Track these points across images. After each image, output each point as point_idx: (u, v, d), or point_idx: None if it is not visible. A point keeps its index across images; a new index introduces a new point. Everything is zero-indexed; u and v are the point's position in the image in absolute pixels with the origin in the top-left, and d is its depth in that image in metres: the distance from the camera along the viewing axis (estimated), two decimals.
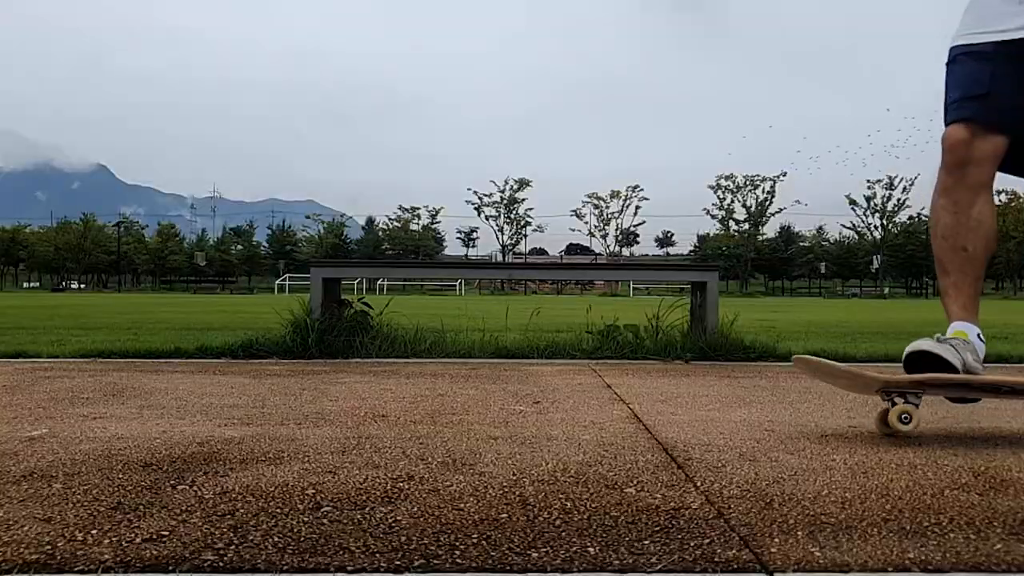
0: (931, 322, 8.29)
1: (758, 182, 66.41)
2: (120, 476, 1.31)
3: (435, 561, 0.94)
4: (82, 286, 70.26)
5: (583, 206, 72.75)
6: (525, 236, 72.24)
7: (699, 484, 1.29)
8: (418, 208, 74.71)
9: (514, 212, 71.88)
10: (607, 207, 71.32)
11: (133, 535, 1.01)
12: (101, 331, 5.51)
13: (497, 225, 71.96)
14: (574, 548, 0.98)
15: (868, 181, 68.20)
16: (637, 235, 71.96)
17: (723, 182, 66.77)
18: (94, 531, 1.03)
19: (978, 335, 1.75)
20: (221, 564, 0.92)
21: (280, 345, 3.66)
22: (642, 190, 70.58)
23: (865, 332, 6.22)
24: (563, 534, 1.03)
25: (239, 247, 75.45)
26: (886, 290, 61.56)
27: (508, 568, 0.92)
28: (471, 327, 4.59)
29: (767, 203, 66.11)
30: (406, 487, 1.26)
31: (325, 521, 1.08)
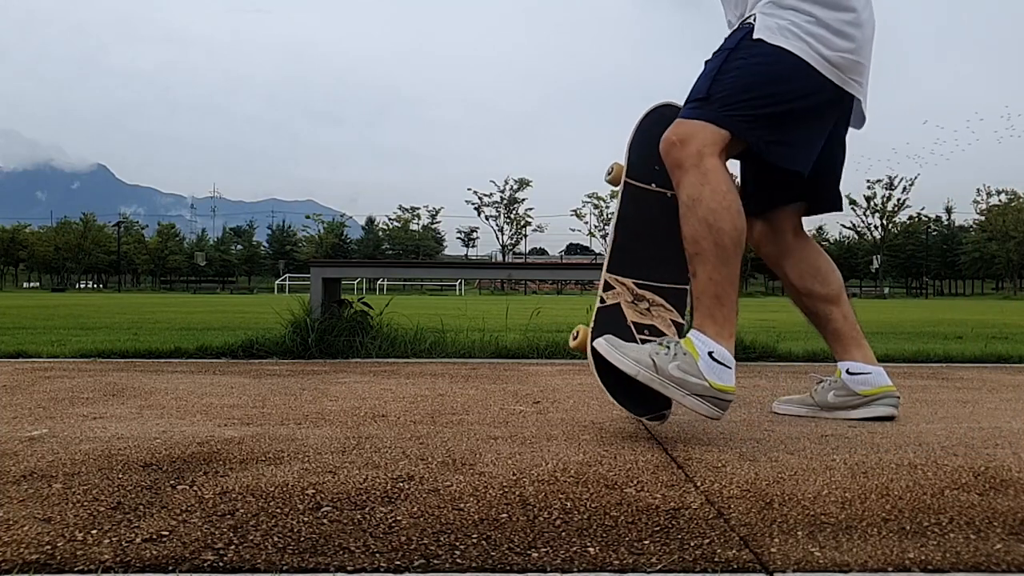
0: (931, 321, 8.29)
1: None
2: (120, 476, 1.31)
3: (435, 561, 0.94)
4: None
5: (583, 206, 72.86)
6: (525, 236, 72.33)
7: (699, 484, 1.29)
8: (418, 208, 74.83)
9: (514, 212, 71.94)
10: (607, 207, 71.37)
11: (133, 535, 1.01)
12: (101, 331, 5.51)
13: (497, 225, 72.02)
14: (574, 548, 0.98)
15: (868, 181, 68.36)
16: None
17: None
18: (94, 531, 1.03)
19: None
20: (221, 564, 0.92)
21: (280, 345, 3.66)
22: None
23: (864, 332, 6.21)
24: (563, 534, 1.03)
25: (239, 247, 75.48)
26: (886, 290, 61.62)
27: (508, 568, 0.92)
28: (471, 327, 4.59)
29: None
30: (406, 487, 1.26)
31: (325, 521, 1.08)
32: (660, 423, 1.78)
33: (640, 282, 1.88)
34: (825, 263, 2.05)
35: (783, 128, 1.75)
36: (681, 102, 1.85)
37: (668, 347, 1.65)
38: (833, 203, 2.05)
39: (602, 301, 1.85)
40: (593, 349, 1.70)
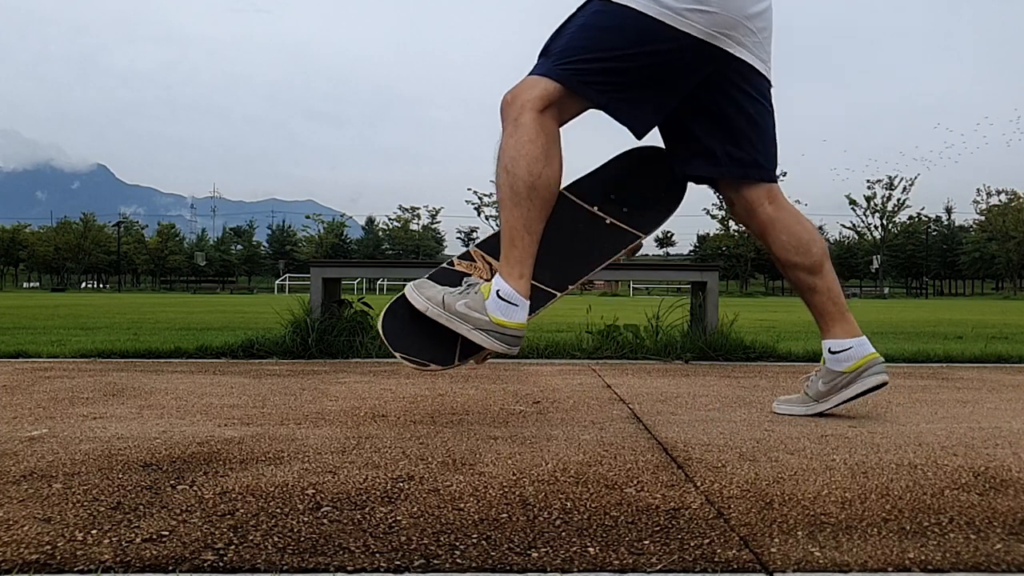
0: (931, 321, 8.29)
1: None
2: (120, 476, 1.31)
3: (435, 561, 0.94)
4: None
5: None
6: None
7: (699, 484, 1.29)
8: (418, 208, 74.86)
9: None
10: None
11: (133, 535, 1.01)
12: (101, 331, 5.51)
13: (497, 225, 72.08)
14: (574, 548, 0.98)
15: (868, 181, 68.49)
16: None
17: None
18: (94, 531, 1.03)
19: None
20: (221, 564, 0.92)
21: (280, 345, 3.65)
22: None
23: (864, 332, 6.21)
24: (563, 534, 1.03)
25: (239, 247, 75.49)
26: (886, 290, 61.64)
27: (508, 568, 0.92)
28: None
29: None
30: (406, 487, 1.26)
31: (325, 521, 1.08)
32: (428, 368, 1.85)
33: None
34: (805, 232, 1.98)
35: (624, 83, 1.76)
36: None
37: (465, 288, 1.77)
38: (766, 163, 1.95)
39: (450, 264, 1.92)
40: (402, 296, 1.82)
